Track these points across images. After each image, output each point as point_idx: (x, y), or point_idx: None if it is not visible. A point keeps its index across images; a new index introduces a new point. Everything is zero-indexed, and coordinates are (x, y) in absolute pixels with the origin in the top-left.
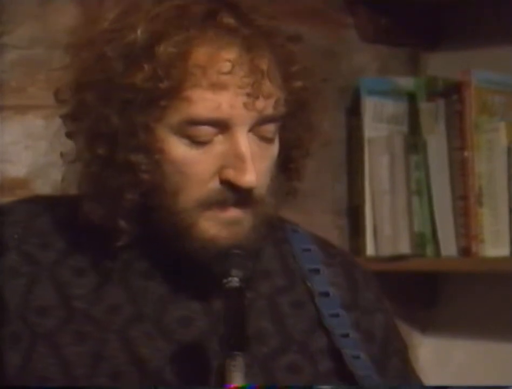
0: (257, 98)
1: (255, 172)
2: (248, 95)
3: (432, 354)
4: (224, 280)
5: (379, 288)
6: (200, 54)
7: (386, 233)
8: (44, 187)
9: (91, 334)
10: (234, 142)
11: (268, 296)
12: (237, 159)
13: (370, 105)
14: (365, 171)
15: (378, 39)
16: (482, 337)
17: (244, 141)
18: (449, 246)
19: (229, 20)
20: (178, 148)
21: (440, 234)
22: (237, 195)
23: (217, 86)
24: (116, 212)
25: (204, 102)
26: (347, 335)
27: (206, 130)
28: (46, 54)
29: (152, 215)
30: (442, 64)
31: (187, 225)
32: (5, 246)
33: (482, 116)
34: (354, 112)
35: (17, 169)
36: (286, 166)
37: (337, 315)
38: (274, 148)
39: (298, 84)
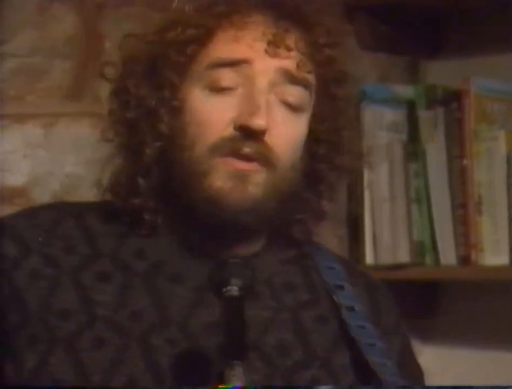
0: (278, 47)
1: (266, 117)
2: (269, 43)
3: (432, 362)
4: (224, 289)
5: (398, 312)
6: (225, 7)
7: (386, 242)
8: (43, 196)
9: (111, 340)
10: (252, 90)
11: (291, 309)
12: (250, 104)
13: (369, 112)
14: (365, 179)
15: (377, 47)
16: (482, 346)
17: (261, 88)
18: (448, 255)
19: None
20: (198, 97)
21: (439, 243)
22: (250, 141)
23: (239, 27)
24: (136, 170)
25: (225, 41)
26: (373, 344)
27: (226, 74)
28: (45, 63)
29: (169, 173)
30: (441, 72)
31: (199, 174)
32: (28, 249)
33: (481, 125)
34: None
35: (16, 178)
36: (314, 176)
37: (363, 327)
38: (301, 121)
39: (327, 52)
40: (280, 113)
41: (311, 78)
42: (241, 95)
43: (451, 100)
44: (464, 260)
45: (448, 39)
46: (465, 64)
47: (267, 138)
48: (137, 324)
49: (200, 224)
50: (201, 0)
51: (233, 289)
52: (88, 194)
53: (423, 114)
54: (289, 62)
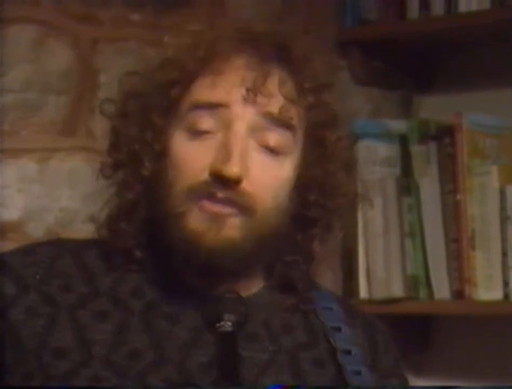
0: (256, 94)
1: (240, 163)
2: (248, 90)
3: None
4: (217, 324)
5: (397, 352)
6: (206, 48)
7: (380, 276)
8: (37, 230)
9: (107, 379)
10: (228, 135)
11: (289, 351)
12: (225, 151)
13: (362, 147)
14: (358, 214)
15: (370, 81)
16: (475, 381)
17: (238, 134)
18: (442, 289)
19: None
20: (179, 140)
21: (433, 277)
22: (224, 187)
23: (217, 72)
24: (119, 214)
25: (205, 85)
26: None
27: (205, 117)
28: (40, 98)
29: (151, 214)
30: (434, 107)
31: (176, 215)
32: (25, 286)
33: (474, 159)
34: None
35: (10, 212)
36: (304, 223)
37: (359, 373)
38: (283, 165)
39: (311, 98)
40: (259, 158)
41: (295, 121)
42: (219, 140)
43: (444, 135)
44: (458, 294)
45: (440, 74)
46: (457, 99)
47: (244, 184)
48: (134, 364)
49: (183, 263)
50: (184, 42)
51: (226, 325)
52: (82, 228)
53: (416, 149)
54: (270, 106)
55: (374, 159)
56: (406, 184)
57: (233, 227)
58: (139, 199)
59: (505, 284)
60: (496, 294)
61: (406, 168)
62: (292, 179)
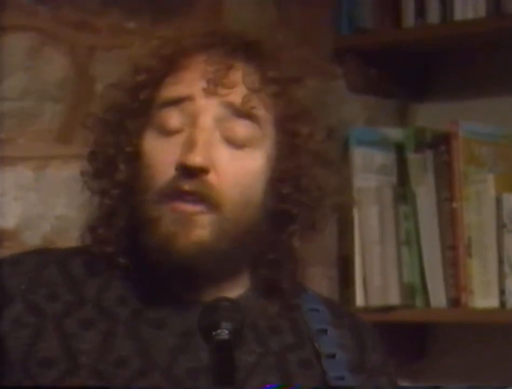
0: (217, 85)
1: (204, 153)
2: (209, 81)
3: None
4: (214, 333)
5: (385, 351)
6: (171, 47)
7: (376, 284)
8: (33, 238)
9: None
10: (194, 129)
11: (276, 352)
12: (189, 142)
13: (358, 155)
14: (355, 221)
15: (367, 89)
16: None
17: (203, 127)
18: (438, 297)
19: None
20: (149, 141)
21: (429, 285)
22: (190, 178)
23: (180, 69)
24: (98, 220)
25: (169, 83)
26: None
27: (172, 113)
28: (36, 106)
29: (129, 219)
30: (430, 115)
31: (150, 220)
32: (11, 296)
33: (470, 167)
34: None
35: (6, 220)
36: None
37: (342, 378)
38: (252, 158)
39: (274, 87)
40: (227, 151)
41: (260, 112)
42: (185, 136)
43: (440, 143)
44: (454, 302)
45: (436, 82)
46: (453, 107)
47: (211, 177)
48: (121, 371)
49: (160, 269)
50: (151, 45)
51: (223, 333)
52: (78, 236)
53: (412, 157)
54: (232, 97)
55: (370, 167)
56: (403, 192)
57: (202, 226)
58: (116, 204)
59: (501, 292)
60: (492, 302)
61: (402, 176)
62: (265, 172)
